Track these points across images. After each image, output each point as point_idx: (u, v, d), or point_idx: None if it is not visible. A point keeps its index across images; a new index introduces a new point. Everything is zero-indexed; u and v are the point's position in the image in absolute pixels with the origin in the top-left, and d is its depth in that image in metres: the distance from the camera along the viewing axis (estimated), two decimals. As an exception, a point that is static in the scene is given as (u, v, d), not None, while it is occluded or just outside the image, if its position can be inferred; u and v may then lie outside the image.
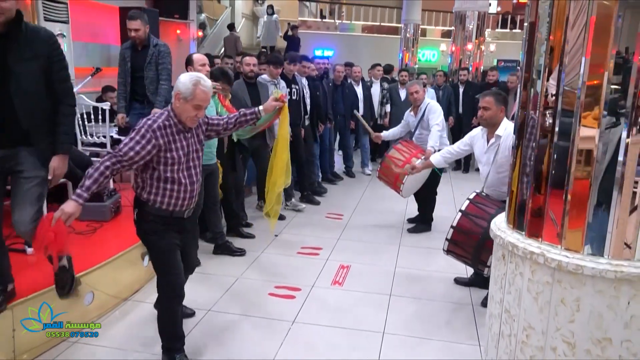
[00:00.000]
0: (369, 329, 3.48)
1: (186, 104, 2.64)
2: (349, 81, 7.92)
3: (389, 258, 4.81)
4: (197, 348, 3.14)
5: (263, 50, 12.60)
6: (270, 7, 14.13)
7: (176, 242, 2.82)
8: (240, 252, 4.69)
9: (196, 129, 2.84)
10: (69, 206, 2.48)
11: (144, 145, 2.56)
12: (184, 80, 2.66)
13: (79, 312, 3.33)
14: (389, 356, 3.17)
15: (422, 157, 4.99)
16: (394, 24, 16.62)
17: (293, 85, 6.10)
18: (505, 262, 1.70)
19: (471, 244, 3.62)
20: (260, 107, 3.18)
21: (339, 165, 8.36)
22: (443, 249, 3.87)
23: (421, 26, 15.73)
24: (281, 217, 5.68)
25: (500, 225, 1.77)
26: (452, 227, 3.72)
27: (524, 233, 1.65)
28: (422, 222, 5.69)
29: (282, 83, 5.83)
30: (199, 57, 4.27)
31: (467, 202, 3.74)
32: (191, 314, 3.52)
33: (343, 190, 7.46)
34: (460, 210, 3.69)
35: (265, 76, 5.73)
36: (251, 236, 5.14)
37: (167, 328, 2.89)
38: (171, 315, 2.89)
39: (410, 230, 5.63)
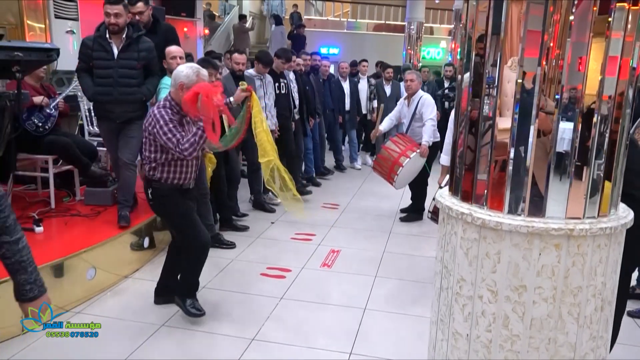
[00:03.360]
0: (352, 305, 3.72)
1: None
2: (335, 77, 8.10)
3: (378, 244, 5.04)
4: (189, 321, 3.39)
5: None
6: (277, 17, 14.29)
7: (192, 206, 3.36)
8: (230, 245, 4.72)
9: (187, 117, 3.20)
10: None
11: (173, 125, 2.99)
12: (186, 72, 3.01)
13: (81, 287, 3.61)
14: (367, 328, 3.41)
15: (417, 151, 5.22)
16: (399, 22, 16.80)
17: (281, 80, 6.21)
18: (444, 224, 1.93)
19: None
20: (231, 98, 3.55)
21: (328, 160, 8.54)
22: (428, 211, 4.45)
23: (428, 24, 15.91)
24: (271, 210, 5.88)
25: (443, 193, 2.00)
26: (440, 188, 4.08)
27: (459, 198, 1.89)
28: (413, 212, 5.91)
29: (269, 78, 5.94)
30: (170, 50, 4.29)
31: None
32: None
33: (339, 183, 7.69)
34: None
35: (251, 71, 5.84)
36: (245, 228, 5.22)
37: (189, 280, 3.39)
38: (197, 268, 3.36)
39: (402, 219, 5.86)
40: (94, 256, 3.70)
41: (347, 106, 8.09)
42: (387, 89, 8.24)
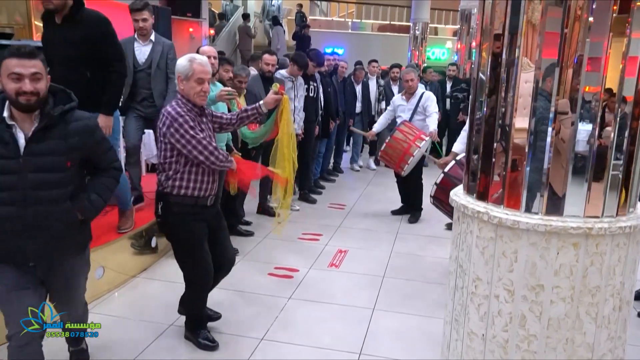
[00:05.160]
0: (360, 306, 3.70)
1: (189, 82, 2.78)
2: (348, 79, 8.06)
3: (386, 244, 5.03)
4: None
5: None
6: (274, 18, 14.24)
7: (204, 232, 2.93)
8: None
9: (206, 116, 2.98)
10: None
11: (194, 127, 2.77)
12: (181, 62, 2.82)
13: (89, 286, 3.58)
14: (376, 329, 3.39)
15: (427, 138, 5.33)
16: (404, 23, 16.77)
17: (311, 82, 6.06)
18: (459, 222, 1.91)
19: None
20: (261, 102, 3.15)
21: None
22: (430, 195, 4.42)
23: (433, 25, 15.86)
24: (272, 214, 5.60)
25: (457, 191, 1.99)
26: (443, 172, 4.25)
27: (474, 196, 1.87)
28: (418, 210, 5.89)
29: (301, 80, 5.79)
30: (203, 50, 4.26)
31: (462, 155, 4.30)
32: (217, 317, 3.40)
33: (345, 184, 7.68)
34: (455, 160, 4.26)
35: (283, 72, 5.66)
36: (250, 233, 5.10)
37: (194, 312, 3.15)
38: (200, 303, 3.13)
39: (410, 220, 5.83)
40: (102, 255, 3.69)
41: (358, 108, 8.05)
42: (395, 89, 8.20)
